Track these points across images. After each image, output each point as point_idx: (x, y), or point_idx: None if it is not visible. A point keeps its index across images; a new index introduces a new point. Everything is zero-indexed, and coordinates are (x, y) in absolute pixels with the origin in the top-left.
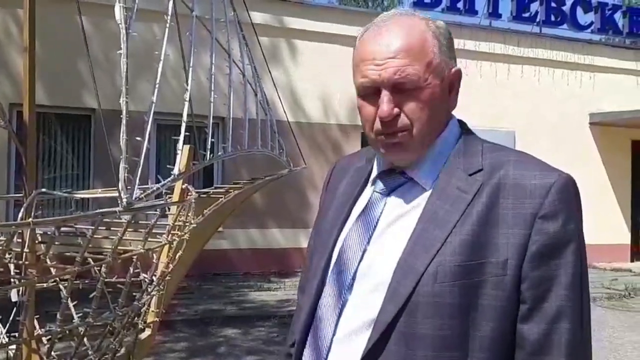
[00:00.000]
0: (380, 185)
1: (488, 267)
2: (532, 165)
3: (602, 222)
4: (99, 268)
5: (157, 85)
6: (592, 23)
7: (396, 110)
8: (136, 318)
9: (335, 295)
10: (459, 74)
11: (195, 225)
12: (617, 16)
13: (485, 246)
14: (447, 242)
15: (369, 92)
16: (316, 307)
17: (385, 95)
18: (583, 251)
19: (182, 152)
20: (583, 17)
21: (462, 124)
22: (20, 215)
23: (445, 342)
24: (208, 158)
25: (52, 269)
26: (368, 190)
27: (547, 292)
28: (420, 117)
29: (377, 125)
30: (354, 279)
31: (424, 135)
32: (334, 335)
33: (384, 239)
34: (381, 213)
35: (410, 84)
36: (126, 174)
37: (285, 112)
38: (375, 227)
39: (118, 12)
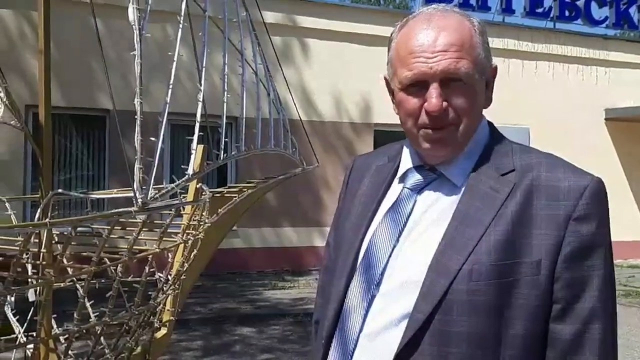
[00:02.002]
0: (410, 182)
1: (522, 267)
2: (564, 167)
3: (619, 218)
4: (115, 268)
5: (170, 86)
6: (606, 18)
7: (445, 104)
8: (152, 317)
9: (363, 291)
10: (496, 71)
11: (209, 224)
12: (632, 10)
13: (520, 246)
14: (481, 241)
15: (413, 87)
16: (343, 303)
17: (435, 88)
18: (611, 252)
19: (196, 152)
20: (597, 12)
21: (490, 124)
22: (37, 215)
23: (480, 339)
24: (222, 157)
25: (68, 268)
26: (396, 186)
27: (580, 293)
28: (467, 112)
29: (423, 119)
30: (382, 274)
31: (469, 132)
32: (361, 330)
33: (415, 235)
34: (412, 209)
35: (463, 76)
36: (141, 174)
37: (297, 110)
38: (405, 223)
39: (131, 14)
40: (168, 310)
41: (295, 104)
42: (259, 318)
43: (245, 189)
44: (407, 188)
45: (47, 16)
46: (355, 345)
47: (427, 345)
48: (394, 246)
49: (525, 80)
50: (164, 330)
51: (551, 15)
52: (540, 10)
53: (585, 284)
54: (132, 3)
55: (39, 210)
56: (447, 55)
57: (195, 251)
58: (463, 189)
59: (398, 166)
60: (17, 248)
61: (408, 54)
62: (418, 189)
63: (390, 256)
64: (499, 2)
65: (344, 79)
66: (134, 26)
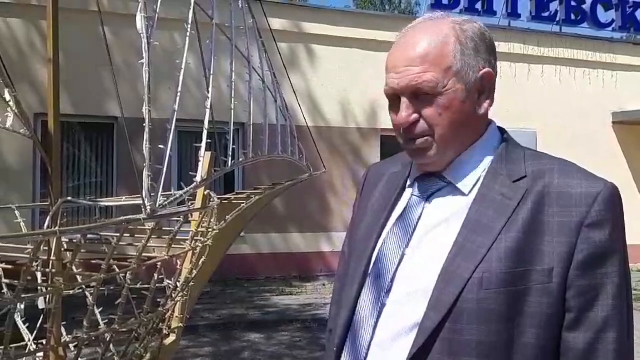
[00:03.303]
0: (418, 189)
1: (534, 274)
2: (577, 173)
3: (628, 222)
4: (124, 275)
5: (178, 93)
6: (613, 21)
7: (414, 116)
8: (161, 324)
9: (373, 300)
10: (488, 76)
11: (217, 231)
12: (639, 14)
13: (531, 254)
14: (492, 248)
15: (393, 100)
16: (354, 311)
17: (403, 102)
18: (627, 260)
19: (204, 159)
20: (604, 15)
21: (501, 130)
22: (46, 223)
23: (490, 348)
24: (229, 164)
25: (78, 276)
26: (406, 194)
27: (593, 301)
28: (439, 122)
29: (401, 131)
30: (392, 283)
31: (447, 140)
32: (371, 339)
33: (424, 244)
34: (420, 217)
35: (427, 89)
36: (150, 182)
37: (304, 117)
38: (413, 231)
39: (139, 22)
40: (177, 316)
41: (302, 110)
42: (267, 324)
43: (252, 196)
44: (415, 195)
45: (55, 25)
46: (367, 355)
47: (437, 354)
48: (403, 254)
49: (531, 84)
50: (172, 337)
51: (557, 19)
52: (546, 14)
53: (598, 292)
54: (140, 12)
55: (48, 218)
56: (411, 69)
57: (203, 258)
58: (473, 196)
59: (410, 173)
60: (27, 256)
61: (386, 69)
62: (426, 197)
63: (399, 264)
64: (505, 6)
65: (350, 84)
66: (142, 34)
